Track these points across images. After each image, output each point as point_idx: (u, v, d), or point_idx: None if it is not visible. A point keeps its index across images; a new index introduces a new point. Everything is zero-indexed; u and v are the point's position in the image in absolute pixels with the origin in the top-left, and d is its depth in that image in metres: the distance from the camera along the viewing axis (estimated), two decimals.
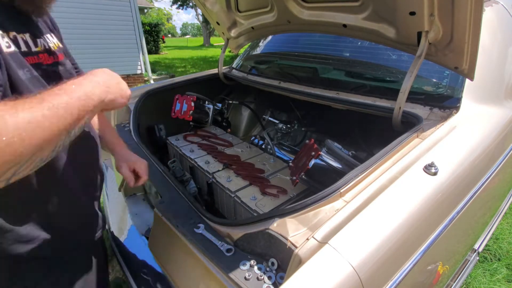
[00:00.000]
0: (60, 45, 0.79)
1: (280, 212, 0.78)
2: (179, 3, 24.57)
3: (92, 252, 0.93)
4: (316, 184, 1.09)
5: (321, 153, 1.08)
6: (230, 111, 2.28)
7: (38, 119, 0.43)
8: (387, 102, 1.25)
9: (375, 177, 0.85)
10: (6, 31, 0.59)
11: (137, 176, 1.03)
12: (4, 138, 0.39)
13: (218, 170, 1.27)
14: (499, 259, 1.91)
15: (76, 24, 6.19)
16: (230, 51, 2.18)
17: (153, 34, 16.38)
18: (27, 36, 0.64)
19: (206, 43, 26.98)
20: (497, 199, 1.48)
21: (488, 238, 1.64)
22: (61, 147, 0.51)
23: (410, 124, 1.08)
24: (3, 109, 0.40)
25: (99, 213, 0.93)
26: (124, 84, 0.67)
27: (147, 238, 1.14)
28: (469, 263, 1.39)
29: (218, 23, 1.86)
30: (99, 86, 0.58)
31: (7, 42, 0.58)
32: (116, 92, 0.62)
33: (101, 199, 1.02)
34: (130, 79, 7.47)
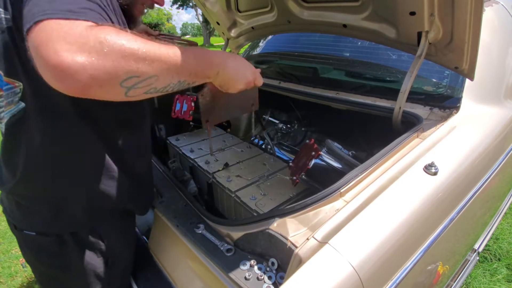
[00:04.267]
0: None
1: (280, 212, 0.78)
2: (179, 3, 24.58)
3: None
4: (316, 184, 1.09)
5: (321, 153, 1.08)
6: None
7: (165, 52, 0.53)
8: (387, 102, 1.25)
9: (375, 177, 0.85)
10: None
11: None
12: (144, 50, 0.50)
13: (218, 170, 1.27)
14: (499, 259, 1.91)
15: None
16: (230, 51, 2.18)
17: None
18: None
19: (206, 43, 26.99)
20: (497, 199, 1.48)
21: (488, 238, 1.64)
22: (169, 89, 0.58)
23: (410, 124, 1.08)
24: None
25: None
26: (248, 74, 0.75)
27: (147, 238, 1.14)
28: (469, 263, 1.39)
29: (218, 23, 1.86)
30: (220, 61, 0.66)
31: None
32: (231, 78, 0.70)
33: None
34: None
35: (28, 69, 0.60)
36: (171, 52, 0.54)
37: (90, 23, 0.49)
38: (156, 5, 0.84)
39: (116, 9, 0.62)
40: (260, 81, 0.81)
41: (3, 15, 0.62)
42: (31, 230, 0.82)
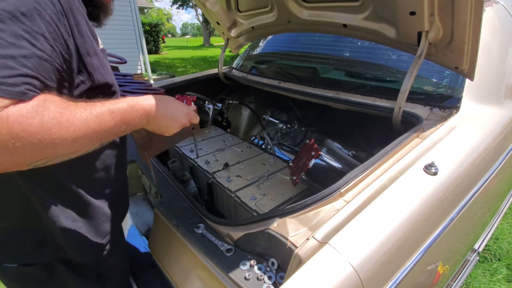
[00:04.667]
0: None
1: (280, 212, 0.78)
2: (179, 3, 24.57)
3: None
4: (316, 184, 1.09)
5: (321, 153, 1.08)
6: (230, 111, 2.28)
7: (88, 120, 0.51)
8: (387, 102, 1.25)
9: (375, 177, 0.85)
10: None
11: None
12: (54, 130, 0.46)
13: (218, 170, 1.27)
14: (499, 259, 1.91)
15: None
16: (230, 51, 2.17)
17: (153, 34, 16.38)
18: None
19: (206, 43, 26.97)
20: (497, 199, 1.48)
21: (488, 238, 1.64)
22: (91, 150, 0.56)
23: (410, 124, 1.08)
24: (65, 106, 0.49)
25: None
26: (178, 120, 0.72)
27: (147, 238, 1.14)
28: (469, 263, 1.39)
29: (218, 23, 1.86)
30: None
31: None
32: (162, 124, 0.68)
33: None
34: None
35: None
36: (91, 124, 0.51)
37: (11, 109, 0.42)
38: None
39: (76, 13, 0.56)
40: (195, 119, 0.79)
41: None
42: (11, 263, 0.76)
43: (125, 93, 0.85)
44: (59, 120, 0.46)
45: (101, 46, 0.69)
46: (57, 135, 0.46)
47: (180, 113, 0.73)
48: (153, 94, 0.69)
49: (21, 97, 0.43)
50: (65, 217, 0.71)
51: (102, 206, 0.78)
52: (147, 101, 0.63)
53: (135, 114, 0.60)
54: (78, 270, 0.81)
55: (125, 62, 1.07)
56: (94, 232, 0.78)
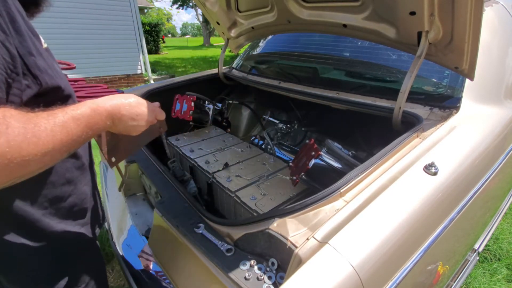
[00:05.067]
0: None
1: (280, 212, 0.78)
2: (179, 3, 24.56)
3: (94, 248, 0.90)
4: (316, 184, 1.09)
5: (321, 153, 1.08)
6: (230, 111, 2.28)
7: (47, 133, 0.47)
8: (387, 102, 1.25)
9: (375, 177, 0.85)
10: None
11: None
12: (27, 154, 0.43)
13: (218, 170, 1.27)
14: (499, 259, 1.91)
15: (76, 24, 6.20)
16: (230, 51, 2.17)
17: (153, 34, 16.37)
18: None
19: (206, 43, 26.97)
20: (497, 199, 1.48)
21: (488, 238, 1.64)
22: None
23: (410, 124, 1.08)
24: (25, 119, 0.45)
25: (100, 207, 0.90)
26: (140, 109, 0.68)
27: (147, 238, 1.14)
28: (469, 263, 1.39)
29: (218, 23, 1.86)
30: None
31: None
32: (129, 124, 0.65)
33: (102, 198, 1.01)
34: (130, 79, 7.47)
35: None
36: (58, 134, 0.48)
37: None
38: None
39: (10, 9, 0.51)
40: (161, 115, 0.77)
41: None
42: None
43: (80, 98, 0.79)
44: (25, 135, 0.43)
45: (44, 45, 0.63)
46: (26, 152, 0.43)
47: (145, 110, 0.69)
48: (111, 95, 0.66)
49: None
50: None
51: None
52: (109, 102, 0.60)
53: (99, 117, 0.57)
54: None
55: (74, 68, 1.01)
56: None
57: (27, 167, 0.45)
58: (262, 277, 0.73)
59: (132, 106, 0.66)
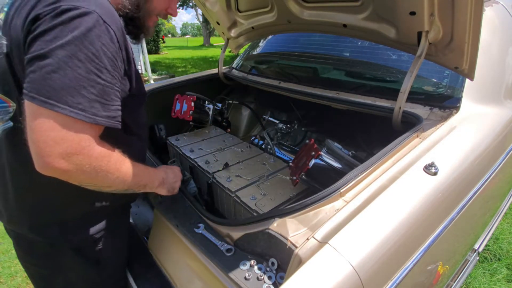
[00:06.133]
0: None
1: (280, 212, 0.78)
2: (179, 3, 24.52)
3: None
4: (316, 184, 1.09)
5: (321, 153, 1.08)
6: (230, 111, 2.28)
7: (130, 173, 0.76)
8: (387, 102, 1.25)
9: (375, 177, 0.85)
10: None
11: None
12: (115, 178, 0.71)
13: (218, 170, 1.27)
14: (499, 259, 1.91)
15: None
16: (230, 51, 2.17)
17: (153, 34, 16.35)
18: None
19: (206, 43, 26.96)
20: (497, 199, 1.48)
21: (488, 238, 1.64)
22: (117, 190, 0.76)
23: (410, 124, 1.08)
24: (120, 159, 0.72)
25: None
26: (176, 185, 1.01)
27: (147, 238, 1.14)
28: (469, 263, 1.39)
29: (218, 23, 1.86)
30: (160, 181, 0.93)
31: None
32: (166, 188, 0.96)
33: None
34: None
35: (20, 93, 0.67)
36: (130, 178, 0.74)
37: (89, 137, 0.62)
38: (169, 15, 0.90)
39: (127, 45, 0.71)
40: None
41: (4, 41, 0.68)
42: (23, 230, 0.83)
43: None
44: (128, 169, 0.75)
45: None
46: (128, 178, 0.74)
47: (176, 185, 1.01)
48: None
49: (95, 122, 0.61)
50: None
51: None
52: (158, 178, 0.92)
53: (154, 183, 0.90)
54: (80, 253, 0.87)
55: None
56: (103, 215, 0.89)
57: (120, 185, 0.74)
58: (262, 277, 0.73)
59: (170, 182, 0.98)
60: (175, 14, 0.88)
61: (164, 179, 0.94)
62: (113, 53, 0.64)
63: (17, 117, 0.70)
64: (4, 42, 0.68)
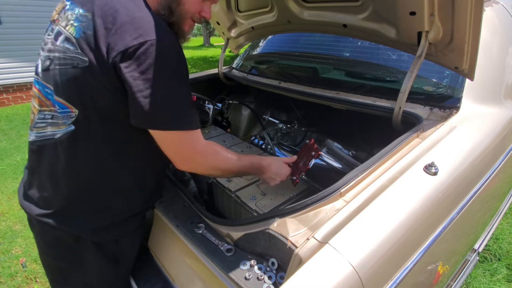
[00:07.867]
0: None
1: (280, 212, 0.78)
2: None
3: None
4: (316, 184, 1.09)
5: (322, 153, 1.08)
6: (230, 111, 2.28)
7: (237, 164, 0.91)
8: (387, 102, 1.25)
9: (375, 177, 0.85)
10: None
11: None
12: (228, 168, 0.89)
13: None
14: (499, 259, 1.91)
15: None
16: (230, 51, 2.17)
17: None
18: None
19: (206, 43, 26.94)
20: (497, 199, 1.48)
21: (488, 238, 1.64)
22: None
23: (410, 124, 1.08)
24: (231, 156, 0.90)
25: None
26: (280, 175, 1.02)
27: (147, 238, 1.14)
28: (469, 263, 1.39)
29: (218, 23, 1.86)
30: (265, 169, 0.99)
31: None
32: (271, 176, 1.01)
33: None
34: None
35: (84, 101, 0.74)
36: (240, 167, 0.91)
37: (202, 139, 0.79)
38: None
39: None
40: (286, 172, 1.05)
41: (79, 56, 0.72)
42: (48, 219, 0.85)
43: None
44: (228, 160, 0.90)
45: None
46: (223, 166, 0.88)
47: (283, 172, 1.02)
48: None
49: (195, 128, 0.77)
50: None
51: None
52: (264, 162, 0.99)
53: (256, 168, 0.98)
54: (101, 249, 0.90)
55: None
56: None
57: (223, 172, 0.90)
58: (262, 277, 0.73)
59: (275, 168, 1.00)
60: (209, 17, 0.87)
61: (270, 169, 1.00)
62: (188, 73, 0.80)
63: (79, 122, 0.76)
64: (80, 56, 0.71)
